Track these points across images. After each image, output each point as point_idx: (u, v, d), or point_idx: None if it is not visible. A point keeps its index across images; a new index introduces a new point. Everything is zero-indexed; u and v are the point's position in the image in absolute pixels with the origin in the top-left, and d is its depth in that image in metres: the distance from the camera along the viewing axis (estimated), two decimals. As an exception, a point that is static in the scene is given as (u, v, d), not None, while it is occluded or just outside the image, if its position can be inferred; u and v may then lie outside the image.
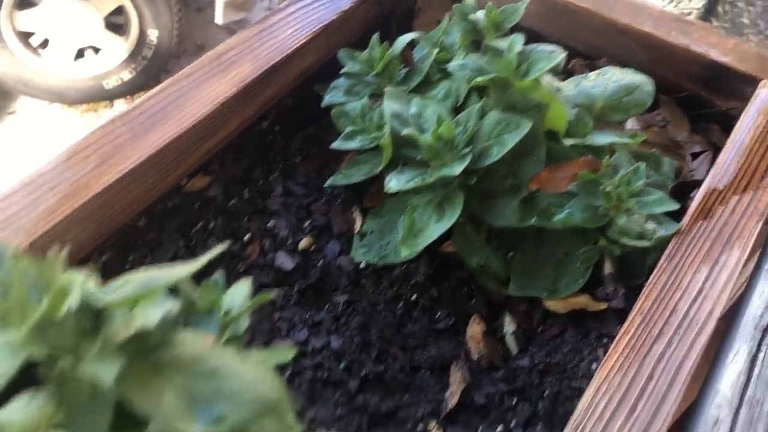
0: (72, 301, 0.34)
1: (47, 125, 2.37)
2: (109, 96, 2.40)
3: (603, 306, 0.67)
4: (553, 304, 0.69)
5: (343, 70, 0.80)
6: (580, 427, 0.51)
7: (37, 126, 2.37)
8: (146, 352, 0.37)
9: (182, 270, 0.38)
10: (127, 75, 2.36)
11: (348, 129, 0.74)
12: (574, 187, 0.67)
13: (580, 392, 0.57)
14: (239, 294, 0.48)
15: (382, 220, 0.73)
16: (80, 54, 2.34)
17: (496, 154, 0.66)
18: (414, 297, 0.71)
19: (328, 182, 0.75)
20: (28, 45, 2.25)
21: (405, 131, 0.67)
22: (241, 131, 0.78)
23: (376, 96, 0.77)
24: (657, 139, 0.84)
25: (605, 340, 0.66)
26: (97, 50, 2.34)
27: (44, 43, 2.28)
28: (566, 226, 0.66)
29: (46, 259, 0.35)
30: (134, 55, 2.34)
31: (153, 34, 2.30)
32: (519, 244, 0.71)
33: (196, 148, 0.73)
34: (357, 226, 0.75)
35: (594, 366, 0.64)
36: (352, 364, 0.65)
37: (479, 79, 0.68)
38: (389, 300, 0.70)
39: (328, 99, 0.80)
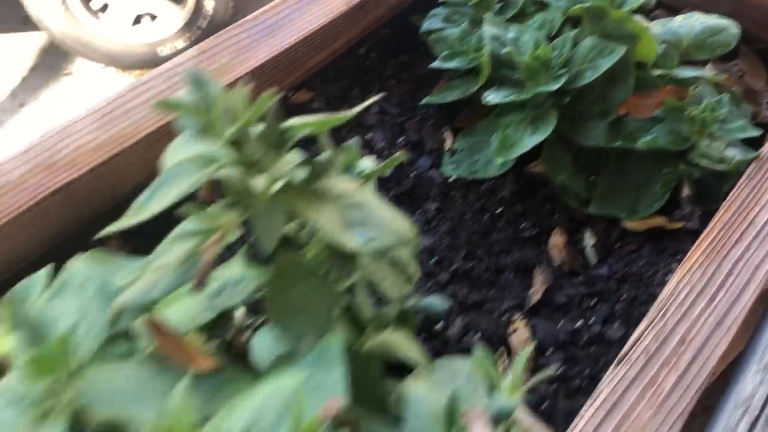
0: (263, 120, 0.40)
1: (101, 88, 2.42)
2: (163, 63, 2.42)
3: (679, 225, 0.72)
4: (632, 224, 0.73)
5: (441, -1, 0.85)
6: (664, 309, 0.56)
7: (91, 88, 2.42)
8: (308, 181, 0.43)
9: (342, 115, 0.44)
10: (181, 44, 2.37)
11: (446, 52, 0.79)
12: (660, 113, 0.72)
13: (654, 297, 0.61)
14: (368, 162, 0.54)
15: (473, 139, 0.79)
16: (137, 20, 2.36)
17: (590, 76, 0.71)
18: (499, 210, 0.76)
19: (424, 101, 0.80)
20: (88, 8, 2.28)
21: (504, 50, 0.72)
22: (343, 52, 0.84)
23: (473, 24, 0.82)
24: (733, 86, 0.88)
25: (680, 256, 0.70)
26: (153, 17, 2.37)
27: (104, 7, 2.31)
28: (651, 148, 0.71)
29: (233, 90, 0.41)
30: (190, 25, 2.36)
31: (209, 5, 2.33)
32: (602, 168, 0.76)
33: (305, 60, 0.79)
34: (447, 145, 0.80)
35: (668, 277, 0.68)
36: (443, 260, 0.70)
37: (576, 7, 0.73)
38: (476, 211, 0.76)
39: (426, 25, 0.85)
